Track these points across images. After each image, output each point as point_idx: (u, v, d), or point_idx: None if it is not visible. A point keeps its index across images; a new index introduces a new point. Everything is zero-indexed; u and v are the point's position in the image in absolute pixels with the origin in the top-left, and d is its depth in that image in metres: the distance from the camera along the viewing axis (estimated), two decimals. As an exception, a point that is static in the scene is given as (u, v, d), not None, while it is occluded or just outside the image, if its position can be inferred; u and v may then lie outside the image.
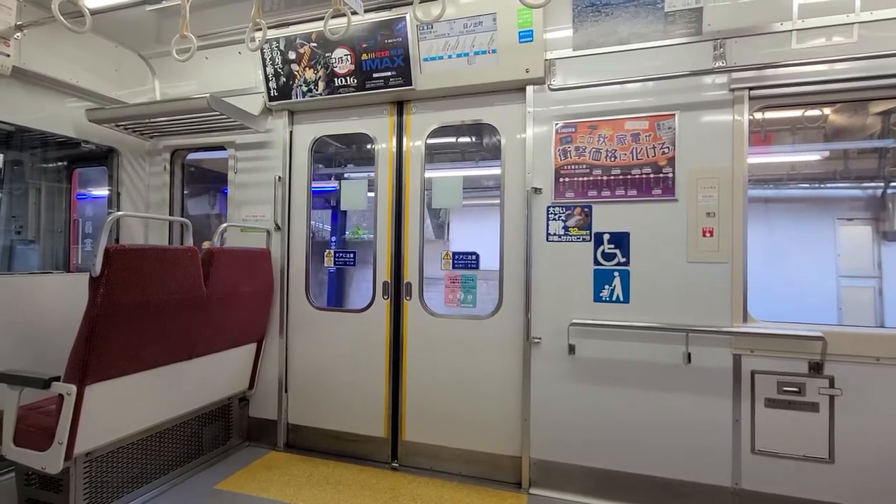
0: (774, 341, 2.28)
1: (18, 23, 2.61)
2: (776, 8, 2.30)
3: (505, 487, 2.71)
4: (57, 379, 2.09)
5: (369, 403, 3.03)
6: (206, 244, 2.90)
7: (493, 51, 2.65)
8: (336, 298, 4.74)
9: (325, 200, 4.48)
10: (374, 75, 2.87)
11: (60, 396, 2.07)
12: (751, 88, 2.34)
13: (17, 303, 2.71)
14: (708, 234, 2.39)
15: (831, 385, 2.22)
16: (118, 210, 3.36)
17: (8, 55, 2.60)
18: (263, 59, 3.05)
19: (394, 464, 2.97)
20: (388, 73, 2.84)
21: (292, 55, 2.99)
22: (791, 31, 2.29)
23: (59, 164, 3.64)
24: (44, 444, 2.08)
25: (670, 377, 2.44)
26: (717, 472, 2.37)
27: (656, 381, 2.46)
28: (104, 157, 3.42)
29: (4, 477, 2.60)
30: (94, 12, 2.26)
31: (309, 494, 2.60)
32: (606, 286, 2.55)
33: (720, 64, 2.37)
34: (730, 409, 2.36)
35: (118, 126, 3.17)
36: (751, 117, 2.37)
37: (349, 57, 2.89)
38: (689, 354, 2.39)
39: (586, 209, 2.59)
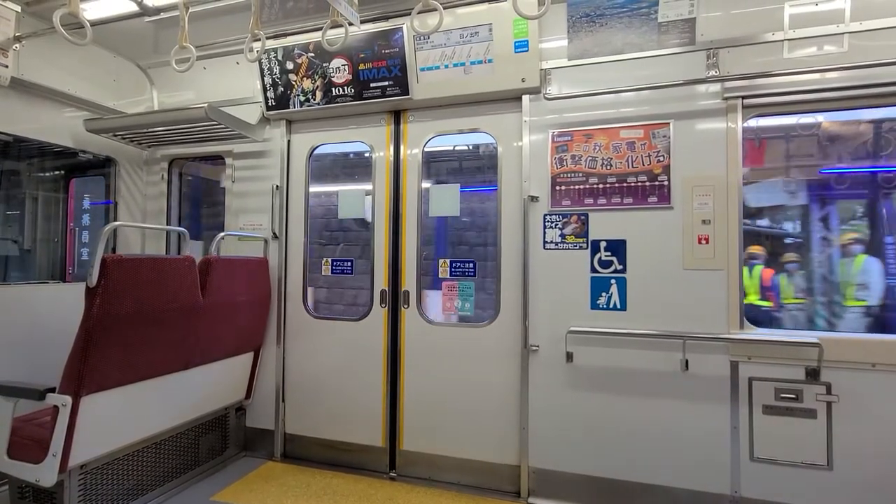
0: (771, 348, 2.29)
1: (17, 34, 2.63)
2: (768, 18, 2.34)
3: (504, 497, 2.69)
4: (52, 390, 2.08)
5: (367, 412, 3.01)
6: None
7: (490, 60, 2.68)
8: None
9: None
10: (372, 85, 2.89)
11: (55, 408, 2.05)
12: (744, 97, 2.37)
13: (13, 313, 2.69)
14: (703, 242, 2.41)
15: (828, 391, 2.22)
16: (115, 219, 3.36)
17: (6, 66, 2.61)
18: (261, 69, 3.07)
19: (392, 473, 2.95)
20: (385, 83, 2.86)
21: (290, 65, 3.02)
22: (783, 41, 2.32)
23: (57, 173, 3.64)
24: (38, 457, 2.06)
25: (668, 384, 2.44)
26: (716, 480, 2.37)
27: (654, 388, 2.46)
28: (101, 167, 3.43)
29: (-2, 490, 2.57)
30: (93, 24, 2.27)
31: (306, 505, 2.58)
32: (603, 293, 2.56)
33: (713, 73, 2.40)
34: (728, 416, 2.36)
35: (116, 136, 3.18)
36: (744, 125, 2.40)
37: (346, 67, 2.91)
38: (687, 361, 2.39)
39: (583, 217, 2.61)
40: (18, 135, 2.82)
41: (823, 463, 2.23)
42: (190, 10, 2.39)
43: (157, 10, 2.56)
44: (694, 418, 2.40)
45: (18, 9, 2.62)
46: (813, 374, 2.24)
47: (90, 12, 2.46)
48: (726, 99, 2.39)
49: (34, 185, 3.59)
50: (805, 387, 2.25)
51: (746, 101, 2.37)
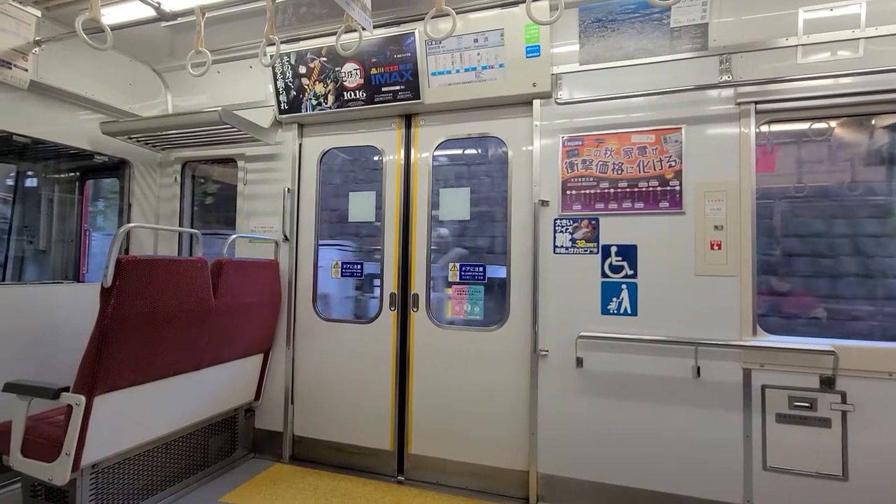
0: (785, 355, 2.26)
1: (37, 38, 2.68)
2: (781, 23, 2.33)
3: (512, 502, 2.67)
4: (66, 389, 2.10)
5: (375, 415, 3.01)
6: None
7: (501, 65, 2.69)
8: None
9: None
10: (383, 89, 2.91)
11: (69, 407, 2.07)
12: (757, 102, 2.35)
13: (28, 313, 2.73)
14: (716, 247, 2.39)
15: (843, 400, 2.19)
16: (129, 221, 3.40)
17: (26, 69, 2.67)
18: (274, 73, 3.11)
19: (399, 477, 2.94)
20: (397, 87, 2.88)
21: (303, 69, 3.05)
22: (797, 46, 2.31)
23: (72, 175, 3.69)
24: (51, 455, 2.08)
25: (679, 391, 2.42)
26: (729, 489, 2.33)
27: (665, 395, 2.44)
28: (116, 169, 3.48)
29: (11, 488, 2.59)
30: (111, 28, 2.31)
31: (314, 508, 2.58)
32: (614, 299, 2.54)
33: (726, 78, 2.39)
34: (740, 424, 2.33)
35: (131, 138, 3.22)
36: (757, 130, 2.39)
37: (358, 71, 2.93)
38: (699, 368, 2.37)
39: (593, 221, 2.60)
40: (36, 137, 2.87)
41: (839, 473, 2.19)
42: (206, 16, 2.43)
43: (175, 15, 2.59)
44: (706, 426, 2.38)
45: (39, 14, 2.67)
46: (828, 383, 2.21)
47: (108, 17, 2.50)
48: (739, 104, 2.37)
49: (49, 187, 3.65)
50: (819, 395, 2.22)
51: (759, 107, 2.36)
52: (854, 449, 2.18)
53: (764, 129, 2.47)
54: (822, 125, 2.56)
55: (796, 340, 2.31)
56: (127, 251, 3.43)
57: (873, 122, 2.55)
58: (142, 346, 2.23)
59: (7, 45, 2.56)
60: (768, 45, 2.34)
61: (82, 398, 2.06)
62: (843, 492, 2.19)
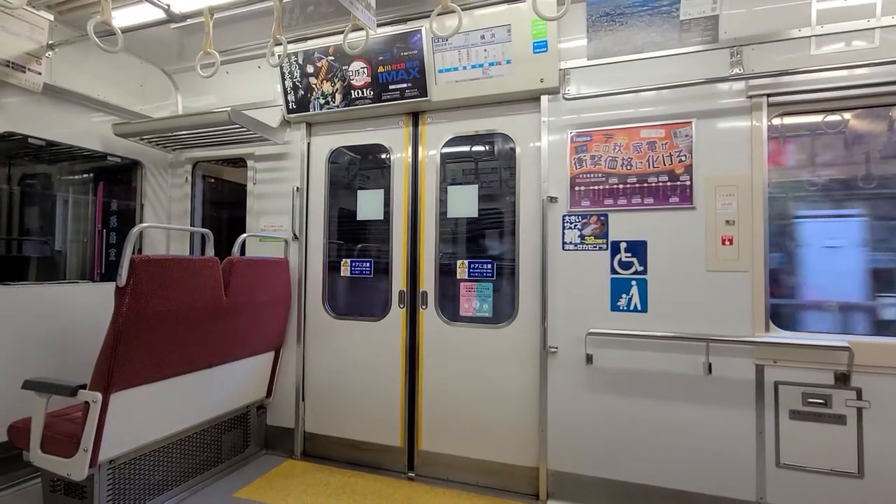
0: (798, 351, 2.24)
1: (50, 42, 2.73)
2: (794, 14, 2.29)
3: (522, 499, 2.68)
4: (83, 387, 2.14)
5: (386, 412, 3.03)
6: None
7: (508, 61, 2.68)
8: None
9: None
10: (390, 87, 2.91)
11: (86, 404, 2.12)
12: (769, 95, 2.32)
13: (45, 312, 2.79)
14: (727, 243, 2.36)
15: (859, 397, 2.16)
16: (141, 221, 3.45)
17: (39, 73, 2.71)
18: (282, 73, 3.12)
19: (410, 473, 2.96)
20: (404, 85, 2.88)
21: (310, 69, 3.06)
22: (810, 37, 2.27)
23: (86, 176, 3.75)
24: (69, 451, 2.13)
25: (691, 388, 2.40)
26: (741, 486, 2.32)
27: (676, 391, 2.43)
28: (128, 170, 3.52)
29: (31, 483, 2.66)
30: (121, 31, 2.35)
31: None
32: (624, 295, 2.53)
33: (737, 71, 2.35)
34: (753, 421, 2.31)
35: (143, 139, 3.27)
36: (769, 124, 2.35)
37: (366, 69, 2.94)
38: (710, 365, 2.35)
39: (602, 218, 2.58)
40: (51, 139, 2.92)
41: (854, 471, 2.16)
42: (214, 17, 2.45)
43: (184, 17, 2.62)
44: (717, 422, 2.36)
45: (52, 18, 2.72)
46: (842, 379, 2.18)
47: (118, 20, 2.53)
48: (751, 97, 2.34)
49: (64, 188, 3.71)
50: (834, 392, 2.19)
51: (772, 100, 2.33)
52: (870, 446, 2.14)
53: (776, 122, 2.43)
54: (836, 117, 2.51)
55: (810, 336, 2.28)
56: (140, 251, 3.48)
57: (890, 113, 2.50)
58: (156, 344, 2.27)
59: (21, 49, 2.61)
60: (780, 37, 2.30)
61: (99, 395, 2.10)
62: (858, 489, 2.16)
